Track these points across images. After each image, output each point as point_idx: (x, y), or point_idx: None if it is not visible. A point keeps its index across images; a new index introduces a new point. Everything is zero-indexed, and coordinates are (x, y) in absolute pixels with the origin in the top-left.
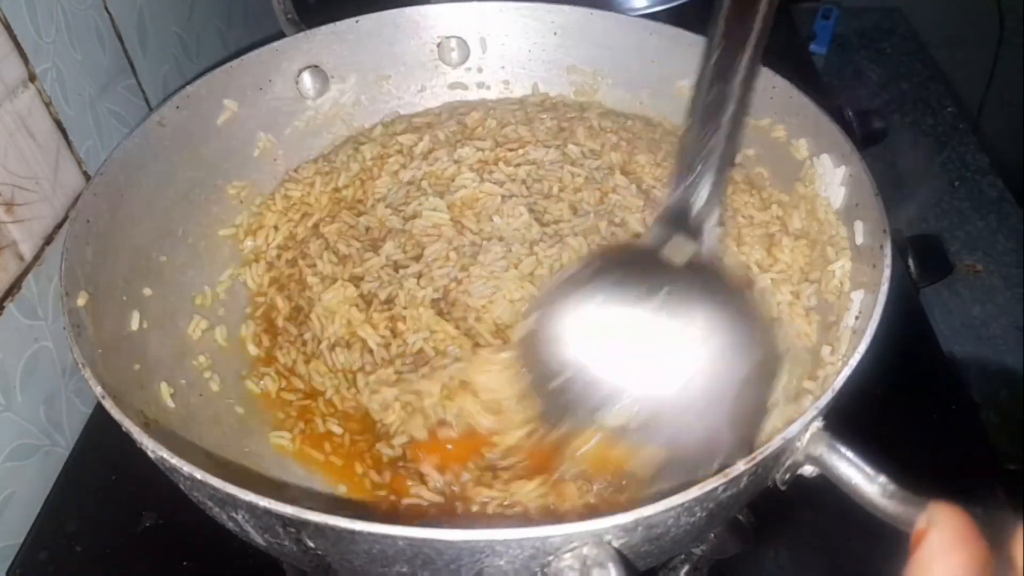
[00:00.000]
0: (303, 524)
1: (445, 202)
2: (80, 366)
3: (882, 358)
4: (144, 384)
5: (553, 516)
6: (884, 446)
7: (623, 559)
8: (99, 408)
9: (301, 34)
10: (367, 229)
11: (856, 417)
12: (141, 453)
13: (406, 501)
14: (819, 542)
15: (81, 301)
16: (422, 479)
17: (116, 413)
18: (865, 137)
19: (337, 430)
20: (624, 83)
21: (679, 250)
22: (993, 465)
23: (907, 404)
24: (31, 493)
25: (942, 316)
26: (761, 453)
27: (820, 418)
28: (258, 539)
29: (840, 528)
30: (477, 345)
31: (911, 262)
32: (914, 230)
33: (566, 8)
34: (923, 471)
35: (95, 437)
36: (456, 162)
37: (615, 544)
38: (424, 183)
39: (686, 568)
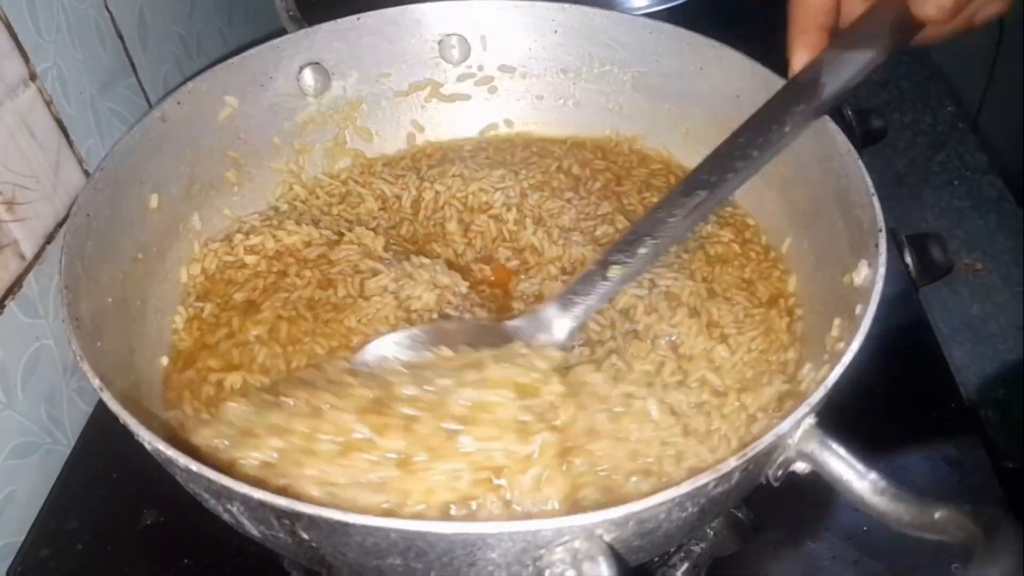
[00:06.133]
0: (297, 516)
1: None
2: (78, 358)
3: (881, 357)
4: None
5: None
6: (883, 444)
7: (614, 553)
8: (100, 406)
9: (302, 31)
10: None
11: (856, 416)
12: (142, 451)
13: None
14: (819, 540)
15: (80, 295)
16: None
17: (114, 405)
18: (864, 136)
19: None
20: (624, 83)
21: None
22: (991, 464)
23: (906, 402)
24: (32, 491)
25: (941, 315)
26: (752, 449)
27: (812, 415)
28: (253, 531)
29: (841, 526)
30: None
31: (910, 261)
32: (913, 229)
33: (567, 6)
34: (922, 469)
35: (96, 435)
36: None
37: (606, 538)
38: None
39: (685, 566)
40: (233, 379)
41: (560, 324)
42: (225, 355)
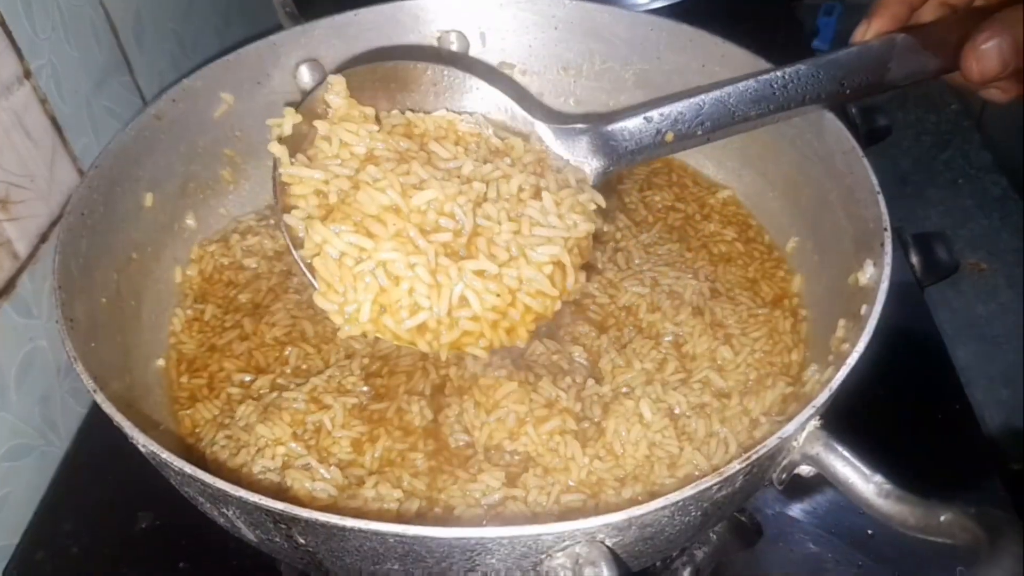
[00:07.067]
0: (293, 520)
1: None
2: (72, 359)
3: (886, 358)
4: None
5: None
6: (887, 445)
7: (615, 558)
8: (94, 408)
9: (299, 27)
10: None
11: (860, 416)
12: (137, 453)
13: None
14: (823, 544)
15: (74, 295)
16: None
17: (108, 407)
18: (869, 134)
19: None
20: (625, 80)
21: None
22: (995, 465)
23: (911, 404)
24: (27, 493)
25: (946, 315)
26: (756, 452)
27: (817, 417)
28: (249, 535)
29: (845, 529)
30: None
31: (915, 260)
32: (917, 228)
33: (567, 2)
34: (925, 470)
35: (90, 437)
36: None
37: (608, 543)
38: None
39: (687, 571)
40: (261, 383)
41: (591, 161)
42: (241, 357)
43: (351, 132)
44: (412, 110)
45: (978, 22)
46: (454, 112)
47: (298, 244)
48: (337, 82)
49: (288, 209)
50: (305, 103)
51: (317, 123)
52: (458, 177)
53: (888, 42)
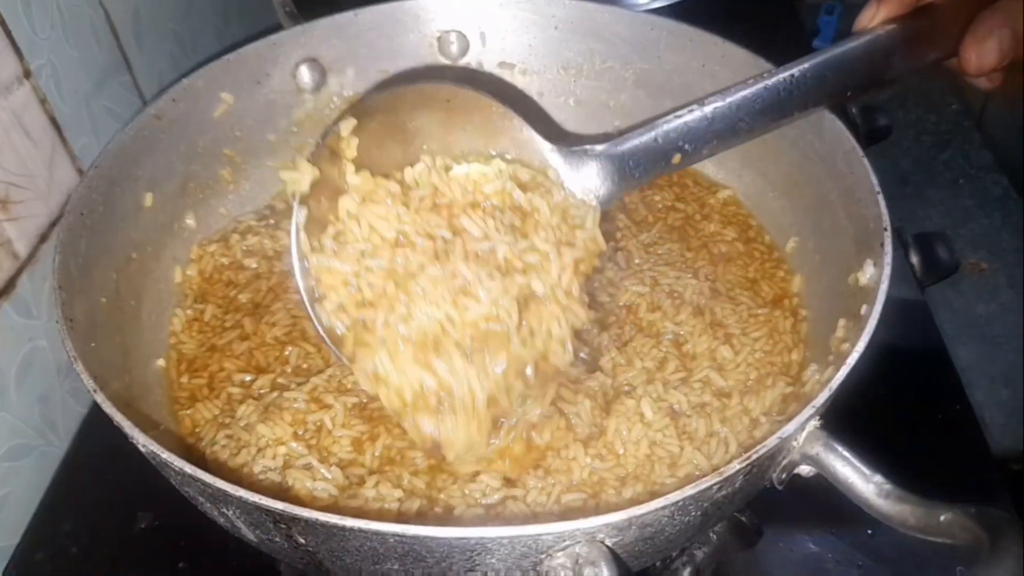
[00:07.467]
0: (293, 520)
1: None
2: (72, 359)
3: (886, 358)
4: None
5: None
6: (887, 445)
7: (615, 557)
8: (94, 408)
9: (300, 27)
10: None
11: (860, 416)
12: (136, 453)
13: None
14: (822, 544)
15: (74, 295)
16: None
17: (108, 407)
18: (869, 134)
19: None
20: (625, 79)
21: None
22: (995, 465)
23: (911, 404)
24: (26, 493)
25: (946, 315)
26: (756, 452)
27: (817, 417)
28: (249, 535)
29: (845, 530)
30: None
31: (915, 260)
32: (918, 228)
33: (567, 2)
34: (925, 470)
35: (90, 437)
36: None
37: (608, 543)
38: None
39: (687, 571)
40: (262, 383)
41: (601, 187)
42: (242, 357)
43: (381, 217)
44: (423, 128)
45: (981, 5)
46: (476, 165)
47: (336, 341)
48: (346, 129)
49: (318, 298)
50: (316, 151)
51: (342, 200)
52: (497, 268)
53: (892, 33)
